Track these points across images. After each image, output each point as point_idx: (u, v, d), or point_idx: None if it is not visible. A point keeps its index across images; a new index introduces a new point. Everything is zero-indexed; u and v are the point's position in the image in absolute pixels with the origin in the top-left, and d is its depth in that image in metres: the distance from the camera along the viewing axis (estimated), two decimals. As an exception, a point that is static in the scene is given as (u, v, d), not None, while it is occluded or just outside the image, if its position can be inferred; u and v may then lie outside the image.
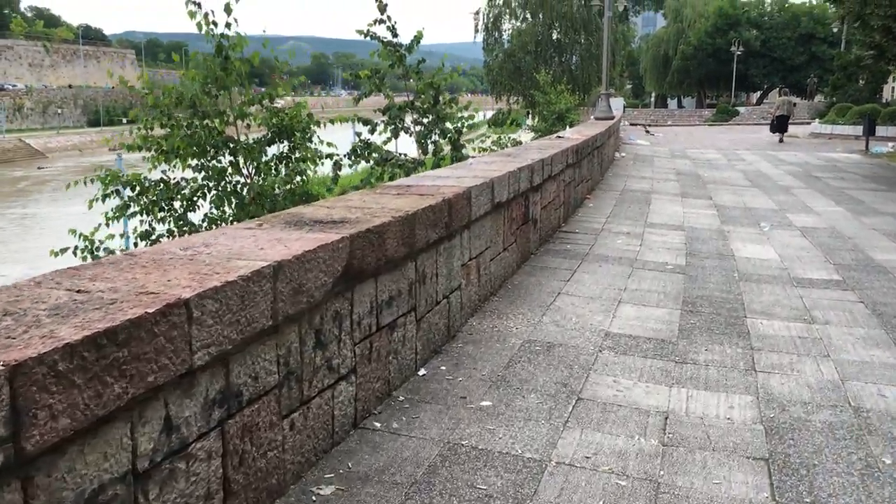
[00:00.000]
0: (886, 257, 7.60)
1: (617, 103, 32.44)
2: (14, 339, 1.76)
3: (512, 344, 4.66)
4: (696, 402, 3.89)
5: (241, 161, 7.33)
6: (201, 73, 7.08)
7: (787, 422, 3.66)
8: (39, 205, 37.93)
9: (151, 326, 2.03)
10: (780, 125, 29.07)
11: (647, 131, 33.33)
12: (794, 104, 34.55)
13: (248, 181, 7.37)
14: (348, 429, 3.30)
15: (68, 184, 6.86)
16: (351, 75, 10.73)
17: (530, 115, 37.43)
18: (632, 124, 39.52)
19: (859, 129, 26.91)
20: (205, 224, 7.20)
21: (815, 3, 60.53)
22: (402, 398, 3.74)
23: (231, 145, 7.20)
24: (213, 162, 7.25)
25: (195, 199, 7.20)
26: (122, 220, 7.12)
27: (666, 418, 3.68)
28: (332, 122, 8.35)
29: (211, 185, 7.24)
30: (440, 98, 9.51)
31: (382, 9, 9.30)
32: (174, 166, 7.13)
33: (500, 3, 51.05)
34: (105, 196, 6.90)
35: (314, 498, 2.80)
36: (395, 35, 9.41)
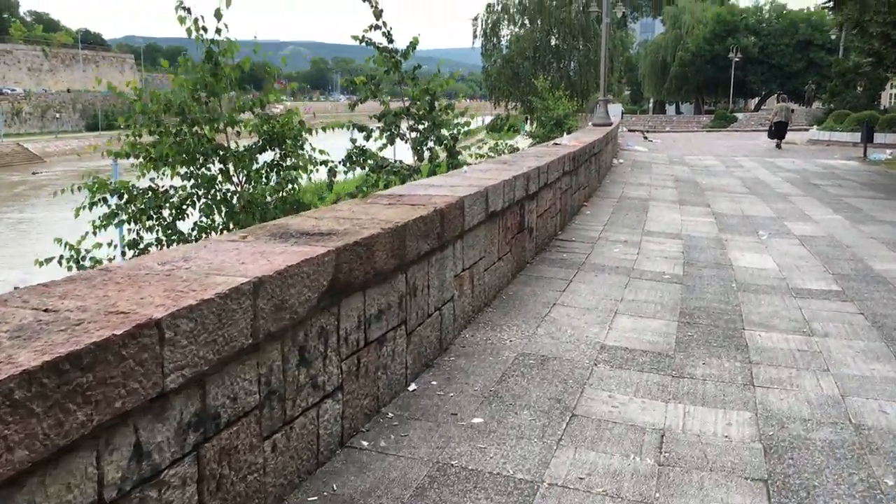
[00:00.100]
0: (886, 267, 7.51)
1: (615, 109, 32.41)
2: (-31, 365, 1.66)
3: (505, 357, 4.56)
4: (693, 419, 3.79)
5: (232, 169, 7.23)
6: (190, 80, 6.98)
7: (787, 440, 3.57)
8: (36, 209, 37.79)
9: (119, 349, 1.93)
10: (778, 131, 29.05)
11: (646, 137, 33.28)
12: (793, 110, 34.57)
13: (239, 189, 7.26)
14: (334, 448, 3.20)
15: (55, 192, 6.75)
16: (347, 81, 10.64)
17: (529, 121, 37.44)
18: (630, 130, 39.48)
19: (857, 136, 26.86)
20: (194, 233, 7.10)
21: (812, 9, 60.56)
22: (391, 415, 3.63)
23: (221, 153, 7.10)
24: (203, 170, 7.14)
25: (184, 207, 7.09)
26: (116, 229, 7.02)
27: (662, 436, 3.58)
28: (323, 129, 8.24)
29: (200, 193, 7.14)
30: (436, 104, 9.42)
31: (378, 14, 9.21)
32: (163, 174, 7.02)
33: (499, 9, 51.11)
34: (92, 204, 6.80)
35: (296, 522, 2.70)
36: (390, 41, 9.31)
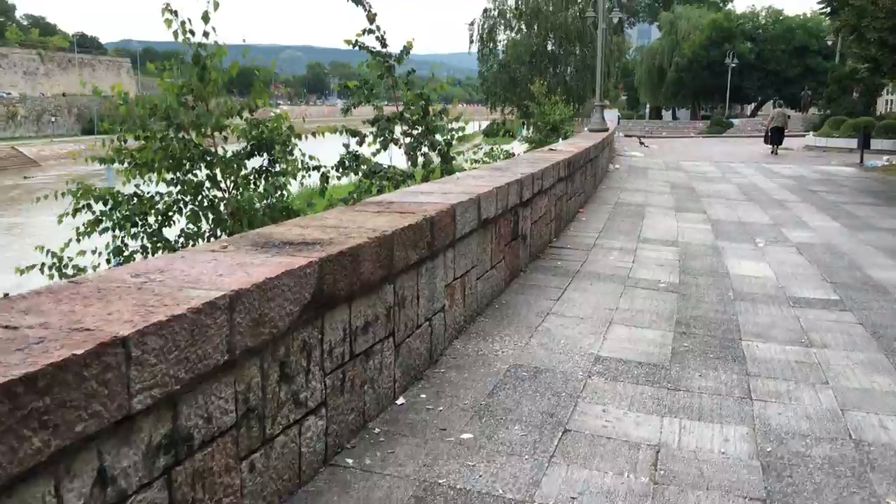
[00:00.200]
0: (885, 275, 7.42)
1: (611, 115, 32.39)
2: (-87, 389, 1.55)
3: (497, 369, 4.45)
4: (690, 435, 3.68)
5: (219, 175, 7.10)
6: (176, 84, 6.86)
7: (786, 457, 3.46)
8: (31, 214, 37.59)
9: (80, 370, 1.81)
10: (774, 137, 29.04)
11: (642, 143, 33.25)
12: (789, 116, 34.55)
13: (227, 196, 7.14)
14: (318, 466, 3.08)
15: (37, 198, 6.64)
16: (340, 85, 10.55)
17: (526, 126, 37.39)
18: (626, 136, 39.45)
19: (854, 143, 26.82)
20: (181, 240, 6.98)
21: (809, 15, 60.67)
22: (377, 430, 3.52)
23: (208, 158, 6.98)
24: (189, 175, 7.01)
25: (170, 214, 6.96)
26: (100, 236, 6.89)
27: (657, 452, 3.47)
28: (313, 134, 8.13)
29: (187, 199, 7.01)
30: (430, 109, 9.32)
31: (371, 18, 9.12)
32: (148, 179, 6.90)
33: (495, 14, 51.16)
34: (76, 210, 6.67)
35: (275, 546, 2.59)
36: (384, 45, 9.22)
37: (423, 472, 3.14)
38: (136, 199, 6.81)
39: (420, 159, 9.61)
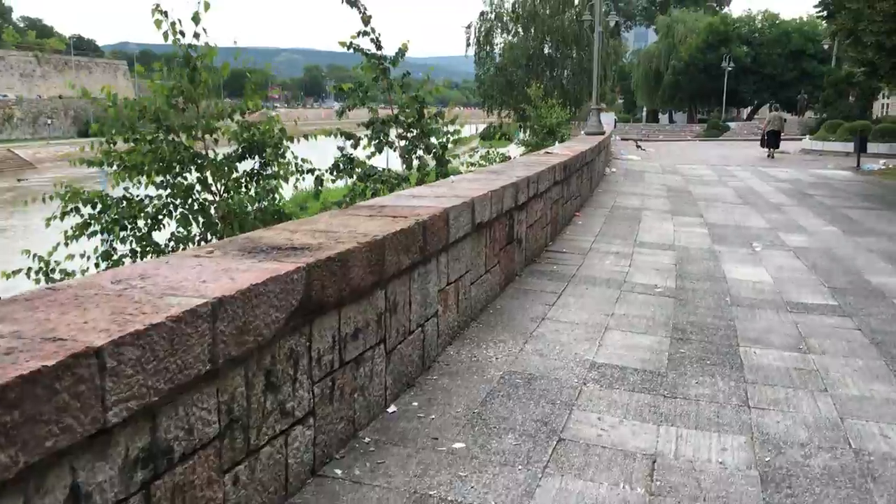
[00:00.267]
0: (883, 280, 7.36)
1: (608, 118, 32.39)
2: None
3: (491, 376, 4.37)
4: (686, 444, 3.61)
5: (210, 178, 7.01)
6: (166, 86, 6.77)
7: (784, 467, 3.39)
8: (25, 217, 37.45)
9: (51, 382, 1.74)
10: (771, 141, 29.05)
11: (638, 146, 33.21)
12: (785, 120, 34.54)
13: (217, 199, 7.04)
14: (305, 478, 3.00)
15: (25, 201, 6.54)
16: (335, 88, 10.47)
17: (522, 129, 37.35)
18: (623, 139, 39.42)
19: (850, 146, 26.84)
20: (171, 244, 6.89)
21: (805, 19, 60.77)
22: (367, 440, 3.44)
23: (199, 161, 6.88)
24: (179, 178, 6.92)
25: (160, 217, 6.87)
26: (95, 239, 6.79)
27: (653, 462, 3.40)
28: (306, 137, 8.05)
29: (177, 202, 6.92)
30: (425, 112, 9.25)
31: (366, 20, 9.05)
32: (137, 182, 6.81)
33: (492, 17, 51.14)
34: (64, 214, 6.58)
35: (259, 561, 2.51)
36: (379, 47, 9.15)
37: (414, 484, 3.06)
38: (125, 202, 6.72)
39: (415, 162, 9.55)
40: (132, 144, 6.68)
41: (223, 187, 7.12)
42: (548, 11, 49.04)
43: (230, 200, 6.75)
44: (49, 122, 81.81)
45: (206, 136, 7.01)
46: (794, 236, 10.05)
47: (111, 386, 1.92)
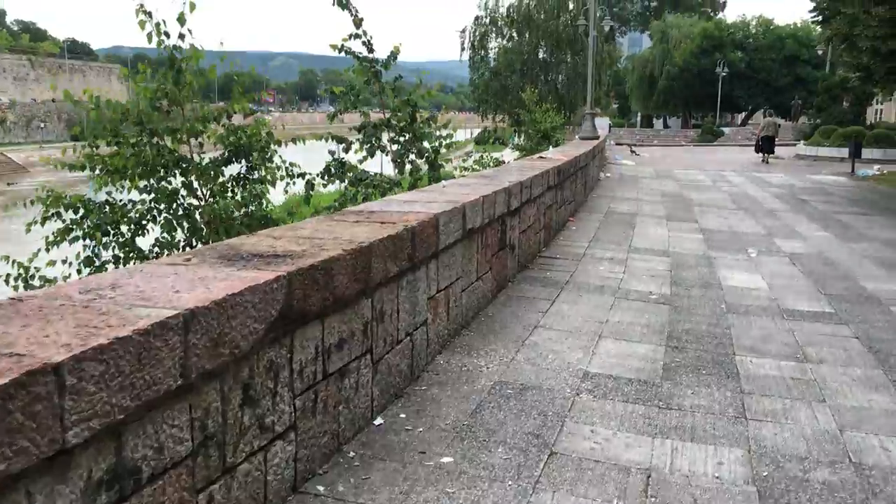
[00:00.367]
0: (879, 287, 7.27)
1: (602, 123, 32.34)
2: None
3: (481, 386, 4.26)
4: (682, 457, 3.50)
5: (195, 182, 6.87)
6: (149, 88, 6.64)
7: (782, 482, 3.28)
8: (14, 221, 37.15)
9: (3, 402, 1.62)
10: (765, 146, 29.06)
11: (633, 151, 33.18)
12: (779, 125, 34.57)
13: (203, 204, 6.90)
14: (286, 495, 2.88)
15: (6, 205, 6.40)
16: (326, 91, 10.36)
17: (518, 134, 37.28)
18: (617, 144, 39.40)
19: (844, 152, 26.79)
20: (156, 249, 6.75)
21: (799, 25, 60.90)
22: (352, 454, 3.32)
23: (184, 165, 6.74)
24: (163, 183, 6.78)
25: (144, 222, 6.73)
26: (78, 245, 6.65)
27: (648, 477, 3.29)
28: (294, 141, 7.93)
29: (161, 207, 6.78)
30: (417, 116, 9.14)
31: (358, 23, 8.94)
32: (120, 187, 6.67)
33: (487, 21, 51.09)
34: (45, 219, 6.44)
35: (235, 585, 2.39)
36: (370, 50, 9.04)
37: (399, 501, 2.95)
38: (107, 206, 6.57)
39: (407, 167, 9.43)
40: (115, 148, 6.54)
41: (209, 192, 6.98)
42: (542, 16, 49.03)
43: (216, 205, 6.60)
44: (42, 125, 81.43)
45: (192, 140, 6.88)
46: (789, 242, 9.96)
47: (71, 405, 1.80)
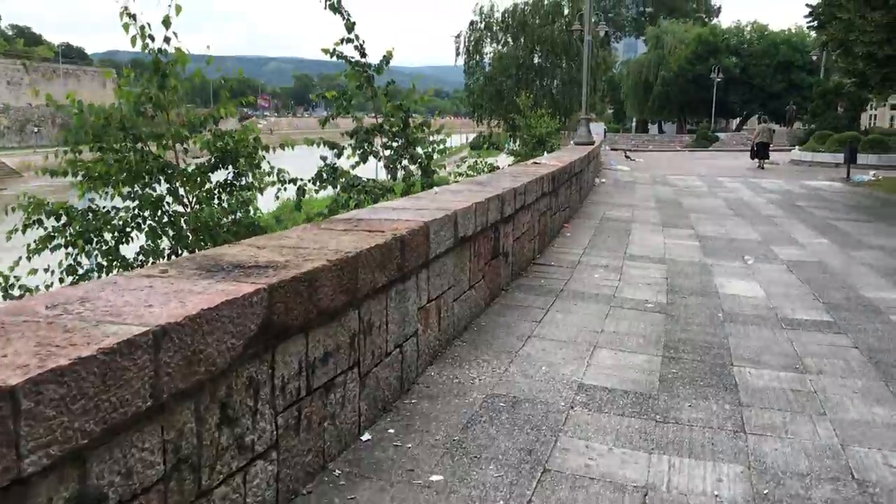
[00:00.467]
0: (878, 295, 7.17)
1: (597, 128, 32.29)
2: None
3: (473, 399, 4.14)
4: (680, 474, 3.38)
5: (181, 189, 6.73)
6: (132, 93, 6.51)
7: (784, 500, 3.17)
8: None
9: (-51, 430, 1.50)
10: (760, 152, 29.06)
11: (627, 156, 33.15)
12: (774, 131, 34.57)
13: (189, 211, 6.76)
14: (266, 517, 2.76)
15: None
16: (317, 96, 10.25)
17: (513, 139, 37.22)
18: (612, 149, 39.39)
19: (840, 157, 26.77)
20: (140, 257, 6.61)
21: (793, 31, 61.07)
22: (338, 472, 3.20)
23: (168, 171, 6.60)
24: (148, 190, 6.63)
25: (128, 230, 6.59)
26: (60, 253, 6.50)
27: (645, 495, 3.17)
28: (282, 146, 7.80)
29: (146, 215, 6.64)
30: (410, 121, 9.03)
31: (350, 27, 8.84)
32: (104, 194, 6.53)
33: (482, 26, 51.02)
34: (26, 226, 6.30)
35: None
36: (363, 55, 8.94)
37: (386, 523, 2.83)
38: (90, 214, 6.43)
39: (400, 172, 9.32)
40: (98, 154, 6.39)
41: (195, 199, 6.83)
42: (537, 21, 48.98)
43: (200, 213, 6.46)
44: (37, 129, 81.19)
45: (177, 146, 6.74)
46: (786, 249, 9.87)
47: (27, 431, 1.68)
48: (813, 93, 43.72)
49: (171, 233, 6.66)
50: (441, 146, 9.51)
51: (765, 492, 3.24)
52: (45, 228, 6.35)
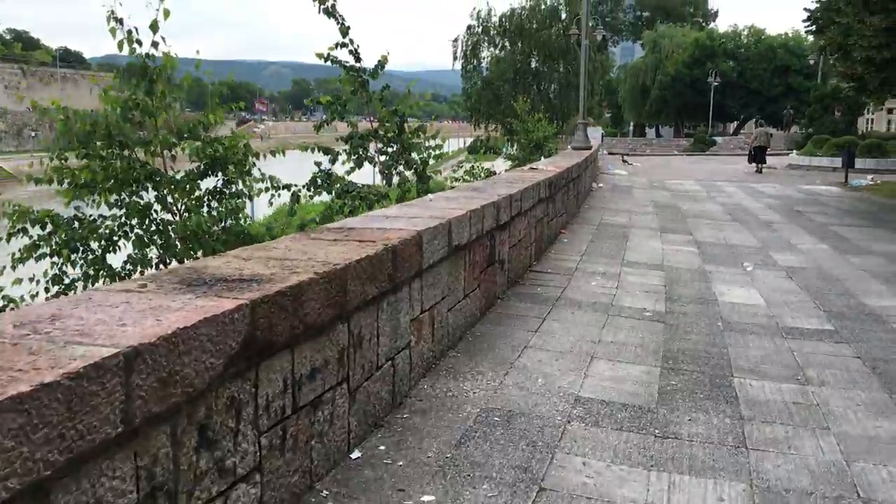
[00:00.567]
0: (880, 303, 7.07)
1: (595, 132, 32.20)
2: None
3: (467, 413, 4.02)
4: (680, 493, 3.27)
5: (169, 196, 6.61)
6: (118, 98, 6.39)
7: (788, 521, 3.06)
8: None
9: None
10: (757, 156, 29.01)
11: (625, 161, 33.08)
12: (771, 135, 34.53)
13: (178, 219, 6.64)
14: (249, 542, 2.64)
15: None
16: (312, 101, 10.15)
17: (510, 143, 37.17)
18: (610, 153, 39.32)
19: (837, 161, 26.69)
20: (128, 267, 6.48)
21: (790, 35, 61.12)
22: (325, 493, 3.08)
23: (156, 178, 6.48)
24: (135, 197, 6.51)
25: (115, 239, 6.46)
26: (45, 262, 6.37)
27: (644, 516, 3.06)
28: (273, 153, 7.69)
29: (133, 223, 6.52)
30: (405, 126, 8.93)
31: (345, 32, 8.74)
32: (90, 202, 6.41)
33: (479, 30, 51.10)
34: (10, 235, 6.18)
35: None
36: (357, 59, 8.84)
37: (374, 548, 2.71)
38: (76, 222, 6.31)
39: (395, 178, 9.22)
40: (84, 161, 6.27)
41: (183, 207, 6.71)
42: (535, 25, 49.06)
43: (189, 221, 6.33)
44: (34, 134, 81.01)
45: (165, 152, 6.62)
46: (785, 255, 9.77)
47: (-17, 464, 1.57)
48: (810, 97, 43.71)
49: (159, 241, 6.53)
50: (437, 151, 9.41)
51: (768, 512, 3.13)
52: (31, 237, 6.23)
